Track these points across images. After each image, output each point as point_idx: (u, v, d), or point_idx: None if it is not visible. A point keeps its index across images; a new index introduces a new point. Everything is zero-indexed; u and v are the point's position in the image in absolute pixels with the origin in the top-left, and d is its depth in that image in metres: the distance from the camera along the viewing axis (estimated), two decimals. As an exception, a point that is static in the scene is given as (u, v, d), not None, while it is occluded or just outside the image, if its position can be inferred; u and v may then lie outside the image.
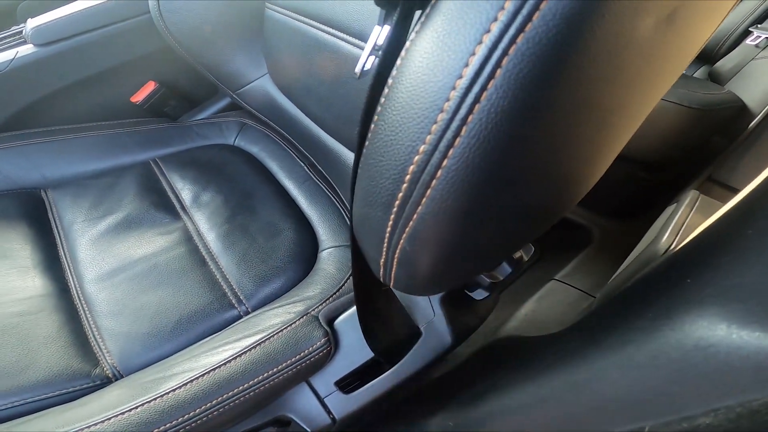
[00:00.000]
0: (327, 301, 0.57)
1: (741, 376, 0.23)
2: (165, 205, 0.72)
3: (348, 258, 0.63)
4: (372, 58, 0.32)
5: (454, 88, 0.23)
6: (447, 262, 0.32)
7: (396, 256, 0.32)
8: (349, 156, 0.64)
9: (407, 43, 0.26)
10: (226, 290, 0.61)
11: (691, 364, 0.25)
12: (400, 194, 0.28)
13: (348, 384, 0.55)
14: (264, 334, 0.54)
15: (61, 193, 0.74)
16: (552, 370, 0.35)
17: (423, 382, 0.58)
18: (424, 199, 0.27)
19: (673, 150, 0.93)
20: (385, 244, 0.32)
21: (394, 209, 0.29)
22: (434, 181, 0.26)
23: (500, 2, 0.22)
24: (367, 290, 0.47)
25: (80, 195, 0.74)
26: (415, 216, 0.28)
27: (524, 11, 0.22)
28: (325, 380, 0.55)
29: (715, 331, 0.24)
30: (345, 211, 0.70)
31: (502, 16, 0.22)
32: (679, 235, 0.56)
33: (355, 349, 0.55)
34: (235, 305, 0.60)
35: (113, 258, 0.64)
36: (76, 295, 0.61)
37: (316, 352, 0.52)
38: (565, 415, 0.33)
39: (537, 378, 0.36)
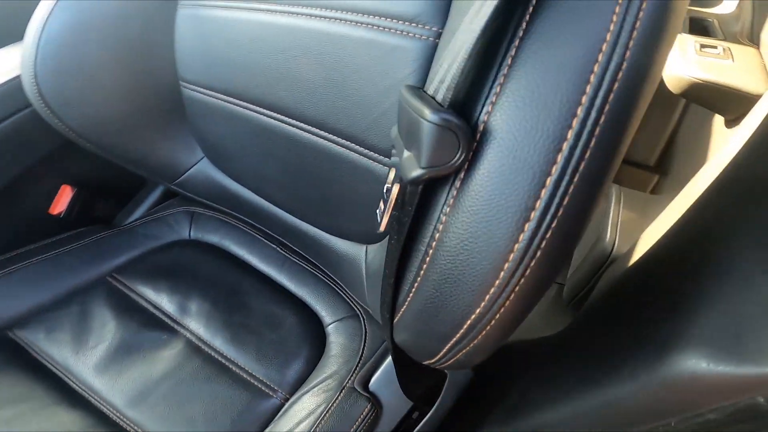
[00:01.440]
0: (355, 371, 0.66)
1: (710, 393, 0.38)
2: (154, 323, 0.74)
3: (354, 327, 0.72)
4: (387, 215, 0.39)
5: (523, 230, 0.32)
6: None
7: (455, 357, 0.40)
8: (330, 239, 0.68)
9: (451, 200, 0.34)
10: (258, 385, 0.66)
11: (684, 388, 0.39)
12: (468, 322, 0.36)
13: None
14: (315, 417, 0.61)
15: (32, 332, 0.72)
16: (581, 393, 0.48)
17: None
18: (492, 322, 0.35)
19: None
20: (442, 353, 0.40)
21: (461, 331, 0.36)
22: (494, 319, 0.35)
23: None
24: (404, 364, 0.57)
25: (54, 329, 0.73)
26: (481, 335, 0.36)
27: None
28: (381, 438, 0.64)
29: (699, 366, 0.37)
30: (334, 284, 0.78)
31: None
32: (618, 233, 0.74)
33: (396, 403, 0.64)
34: (272, 395, 0.66)
35: (133, 383, 0.66)
36: (120, 421, 0.63)
37: (367, 418, 0.61)
38: (596, 425, 0.46)
39: (573, 396, 0.49)
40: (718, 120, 0.83)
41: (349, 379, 0.65)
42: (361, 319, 0.73)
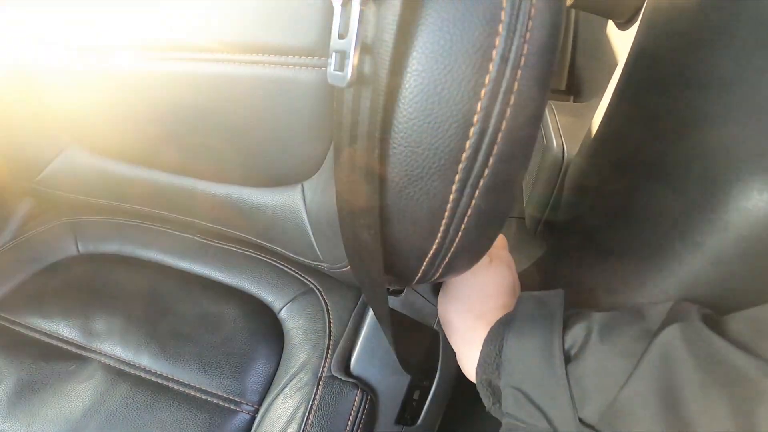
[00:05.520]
0: (328, 356, 0.54)
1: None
2: (54, 354, 0.57)
3: (312, 303, 0.59)
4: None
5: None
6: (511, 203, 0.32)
7: (464, 225, 0.30)
8: (256, 197, 0.51)
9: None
10: (214, 400, 0.53)
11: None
12: (469, 141, 0.26)
13: (408, 416, 0.54)
14: (298, 422, 0.50)
15: None
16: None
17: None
18: (499, 134, 0.26)
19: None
20: (444, 222, 0.30)
21: (461, 165, 0.27)
22: (508, 109, 0.25)
23: None
24: (392, 317, 0.46)
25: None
26: (490, 161, 0.27)
27: None
28: (387, 429, 0.53)
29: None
30: (274, 260, 0.64)
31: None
32: (563, 138, 0.70)
33: (390, 382, 0.53)
34: (237, 409, 0.52)
35: (53, 425, 0.52)
36: None
37: (361, 408, 0.50)
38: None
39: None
40: (611, 27, 0.82)
41: (324, 366, 0.53)
42: (318, 292, 0.60)
